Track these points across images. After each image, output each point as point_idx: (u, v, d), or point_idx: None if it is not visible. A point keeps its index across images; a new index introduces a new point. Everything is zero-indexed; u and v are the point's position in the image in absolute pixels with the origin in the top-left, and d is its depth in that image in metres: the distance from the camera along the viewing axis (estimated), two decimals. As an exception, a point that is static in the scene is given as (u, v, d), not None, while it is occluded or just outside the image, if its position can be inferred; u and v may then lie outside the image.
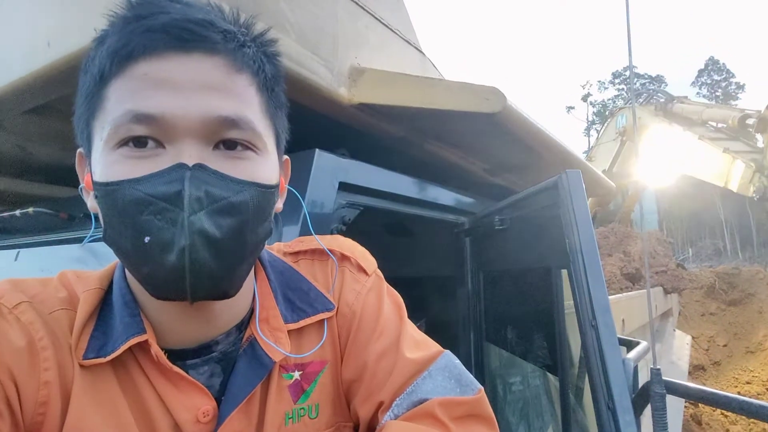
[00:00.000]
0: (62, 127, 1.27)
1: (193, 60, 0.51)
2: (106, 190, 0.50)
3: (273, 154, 0.59)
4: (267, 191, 0.55)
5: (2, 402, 0.49)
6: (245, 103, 0.54)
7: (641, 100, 11.95)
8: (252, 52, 0.55)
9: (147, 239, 0.48)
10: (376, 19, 1.49)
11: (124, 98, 0.50)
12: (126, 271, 0.60)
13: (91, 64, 0.54)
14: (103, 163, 0.51)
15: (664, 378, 1.38)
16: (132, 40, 0.49)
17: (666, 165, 10.07)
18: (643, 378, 1.69)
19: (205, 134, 0.51)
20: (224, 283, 0.53)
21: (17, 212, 1.66)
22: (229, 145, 0.53)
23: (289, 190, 0.70)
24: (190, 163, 0.49)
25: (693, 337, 11.19)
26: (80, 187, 0.58)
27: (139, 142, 0.50)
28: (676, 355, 8.08)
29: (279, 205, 0.63)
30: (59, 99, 1.07)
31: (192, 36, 0.50)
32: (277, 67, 0.61)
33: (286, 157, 0.67)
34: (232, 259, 0.52)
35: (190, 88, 0.50)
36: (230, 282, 0.54)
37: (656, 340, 7.52)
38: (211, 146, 0.52)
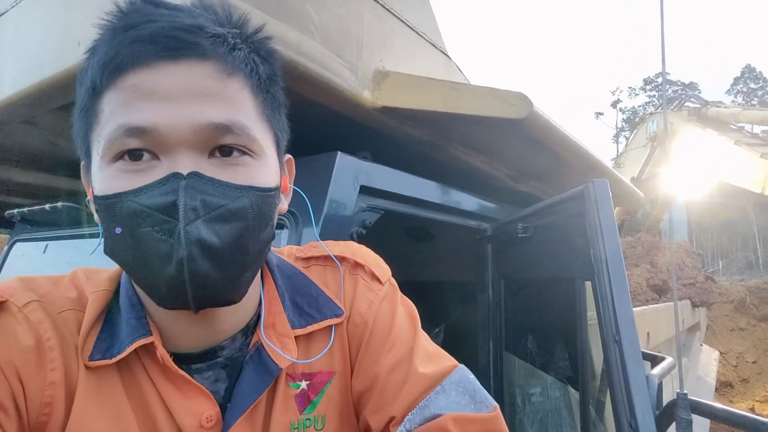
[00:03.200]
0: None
1: (182, 68, 0.50)
2: (105, 204, 0.50)
3: (272, 157, 0.58)
4: (266, 195, 0.54)
5: (9, 400, 0.50)
6: (238, 107, 0.53)
7: (673, 106, 11.66)
8: (243, 54, 0.54)
9: (146, 252, 0.48)
10: (402, 21, 1.48)
11: (116, 111, 0.49)
12: None
13: (84, 77, 0.53)
14: (101, 178, 0.51)
15: (689, 397, 1.33)
16: (120, 52, 0.49)
17: (698, 172, 9.80)
18: (668, 394, 1.64)
19: (198, 143, 0.50)
20: (228, 292, 0.53)
21: (47, 206, 1.71)
22: (225, 151, 0.52)
23: (294, 190, 0.68)
24: (185, 172, 0.49)
25: (721, 353, 10.86)
26: (86, 200, 0.58)
27: (134, 155, 0.50)
28: (703, 370, 7.85)
29: (284, 206, 0.62)
30: (88, 97, 1.09)
31: (179, 44, 0.50)
32: (273, 66, 0.59)
33: (288, 156, 0.66)
34: (234, 266, 0.51)
35: (180, 97, 0.50)
36: (234, 290, 0.53)
37: (683, 354, 7.32)
38: (206, 154, 0.51)
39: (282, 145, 0.62)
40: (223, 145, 0.52)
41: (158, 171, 0.49)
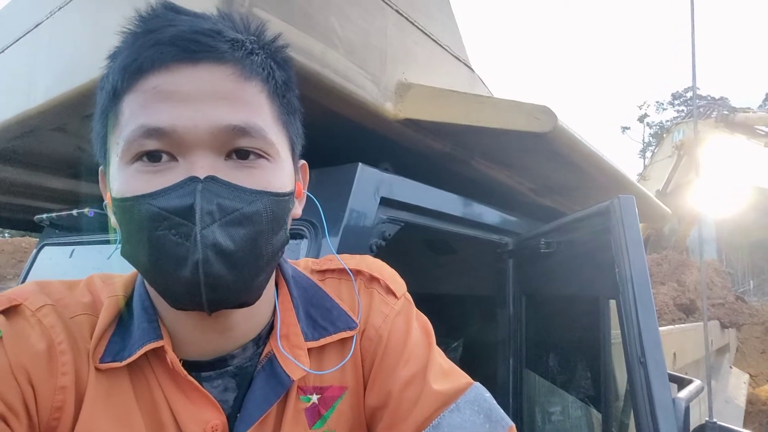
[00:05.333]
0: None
1: (202, 70, 0.51)
2: (122, 206, 0.51)
3: (287, 161, 0.58)
4: (281, 199, 0.54)
5: (19, 404, 0.50)
6: (255, 110, 0.53)
7: (702, 116, 11.38)
8: (261, 59, 0.55)
9: (162, 254, 0.48)
10: (426, 34, 1.48)
11: (135, 113, 0.50)
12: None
13: (105, 81, 0.55)
14: (120, 179, 0.51)
15: (719, 423, 1.28)
16: (141, 55, 0.50)
17: (728, 180, 9.51)
18: (694, 418, 1.58)
19: (216, 144, 0.51)
20: (241, 294, 0.53)
21: (74, 212, 1.75)
22: (242, 154, 0.53)
23: (308, 197, 0.69)
24: (202, 176, 0.49)
25: (751, 376, 10.46)
26: (104, 203, 0.59)
27: (152, 156, 0.50)
28: (732, 394, 7.57)
29: (297, 211, 0.62)
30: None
31: (199, 47, 0.50)
32: (289, 72, 0.60)
33: (302, 162, 0.66)
34: (247, 270, 0.51)
35: (199, 99, 0.50)
36: (248, 292, 0.54)
37: (710, 376, 7.08)
38: (223, 156, 0.52)
39: (297, 150, 0.63)
40: (239, 147, 0.52)
41: (176, 172, 0.50)
